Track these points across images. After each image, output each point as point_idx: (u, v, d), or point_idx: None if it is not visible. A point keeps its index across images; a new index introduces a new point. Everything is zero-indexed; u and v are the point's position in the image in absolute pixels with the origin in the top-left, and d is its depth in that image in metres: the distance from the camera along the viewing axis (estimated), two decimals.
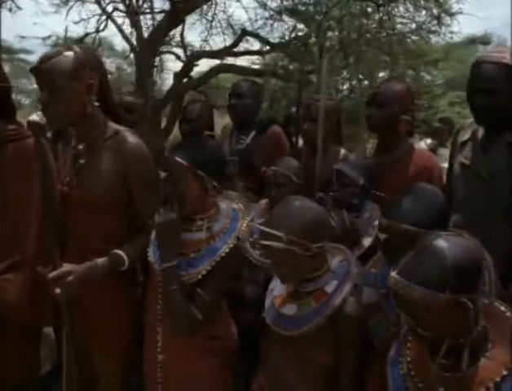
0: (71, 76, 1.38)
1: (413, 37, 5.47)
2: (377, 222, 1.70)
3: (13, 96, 1.75)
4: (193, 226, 1.39)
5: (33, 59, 10.36)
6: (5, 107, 1.62)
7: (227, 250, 1.34)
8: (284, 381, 1.27)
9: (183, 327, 1.35)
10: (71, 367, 1.47)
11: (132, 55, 6.89)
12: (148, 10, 6.43)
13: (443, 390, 0.99)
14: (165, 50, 6.94)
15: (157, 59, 6.83)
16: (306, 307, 1.24)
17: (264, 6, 5.43)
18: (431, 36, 5.48)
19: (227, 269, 1.37)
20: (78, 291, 1.39)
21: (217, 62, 6.34)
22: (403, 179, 1.85)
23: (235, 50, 6.21)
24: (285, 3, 5.18)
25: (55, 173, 1.51)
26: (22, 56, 9.97)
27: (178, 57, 6.85)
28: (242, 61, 6.30)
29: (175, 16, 5.99)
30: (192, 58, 6.42)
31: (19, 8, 5.05)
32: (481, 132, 1.76)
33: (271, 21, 5.65)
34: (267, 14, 5.46)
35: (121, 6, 6.40)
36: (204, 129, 2.52)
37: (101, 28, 6.41)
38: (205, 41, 6.38)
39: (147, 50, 6.10)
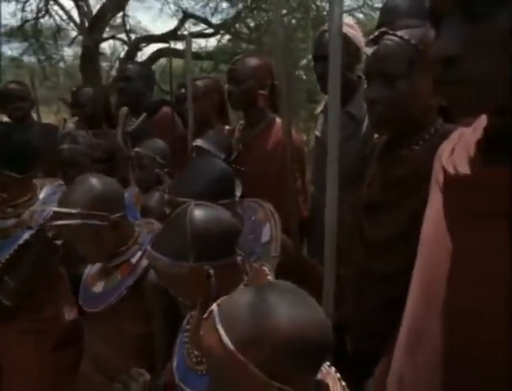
0: None
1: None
2: None
3: None
4: (4, 213, 1.42)
5: None
6: None
7: (29, 238, 1.37)
8: (100, 357, 1.30)
9: None
10: None
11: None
12: None
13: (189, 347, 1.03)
14: (110, 35, 6.86)
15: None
16: (113, 281, 1.27)
17: None
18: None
19: (34, 252, 1.39)
20: None
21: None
22: (262, 153, 1.89)
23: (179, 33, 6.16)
24: None
25: None
26: None
27: (124, 42, 6.78)
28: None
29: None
30: (137, 42, 6.37)
31: None
32: None
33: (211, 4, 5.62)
34: None
35: None
36: (98, 114, 2.53)
37: (41, 14, 6.26)
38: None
39: (91, 35, 6.02)
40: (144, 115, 2.44)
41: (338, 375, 0.78)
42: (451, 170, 0.71)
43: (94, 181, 1.23)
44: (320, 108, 1.84)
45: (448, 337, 0.69)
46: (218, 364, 0.67)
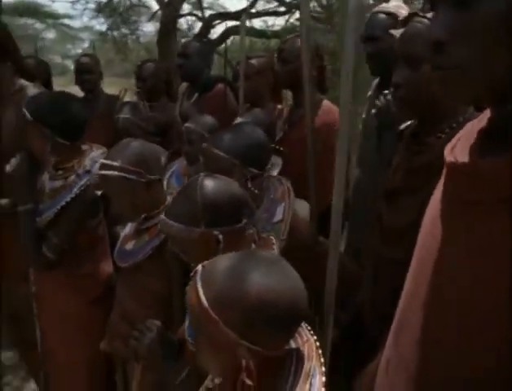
0: None
1: None
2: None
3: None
4: (53, 175, 1.57)
5: (77, 24, 10.80)
6: None
7: (69, 200, 1.50)
8: (126, 310, 1.42)
9: (34, 264, 1.56)
10: None
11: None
12: None
13: None
14: (186, 12, 7.05)
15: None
16: (142, 241, 1.37)
17: None
18: None
19: (73, 214, 1.52)
20: None
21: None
22: (305, 134, 1.89)
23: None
24: None
25: None
26: (66, 21, 10.54)
27: (199, 18, 6.94)
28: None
29: None
30: (210, 19, 6.48)
31: None
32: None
33: None
34: None
35: None
36: (159, 88, 2.65)
37: None
38: None
39: (169, 11, 6.24)
40: (197, 95, 2.52)
41: (317, 343, 0.81)
42: (451, 159, 0.69)
43: (137, 143, 1.34)
44: (370, 91, 1.80)
45: (427, 327, 0.69)
46: (196, 319, 0.73)
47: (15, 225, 1.70)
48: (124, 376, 1.54)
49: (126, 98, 2.76)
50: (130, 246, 1.40)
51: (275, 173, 1.85)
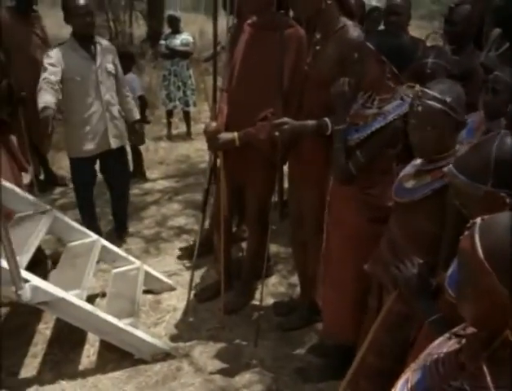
0: None
1: None
2: None
3: None
4: (369, 103, 1.73)
5: None
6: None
7: (383, 125, 1.64)
8: (395, 243, 1.51)
9: (338, 176, 1.78)
10: None
11: None
12: None
13: None
14: None
15: None
16: (423, 181, 1.42)
17: None
18: None
19: (382, 139, 1.67)
20: (290, 137, 2.00)
21: None
22: None
23: None
24: None
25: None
26: None
27: None
28: None
29: None
30: None
31: None
32: None
33: None
34: None
35: None
36: (469, 33, 2.47)
37: None
38: None
39: None
40: (508, 44, 2.22)
41: None
42: None
43: (458, 86, 1.38)
44: None
45: None
46: (468, 269, 0.75)
47: (316, 140, 2.00)
48: (378, 300, 1.64)
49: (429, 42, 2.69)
50: (409, 184, 1.48)
51: None
